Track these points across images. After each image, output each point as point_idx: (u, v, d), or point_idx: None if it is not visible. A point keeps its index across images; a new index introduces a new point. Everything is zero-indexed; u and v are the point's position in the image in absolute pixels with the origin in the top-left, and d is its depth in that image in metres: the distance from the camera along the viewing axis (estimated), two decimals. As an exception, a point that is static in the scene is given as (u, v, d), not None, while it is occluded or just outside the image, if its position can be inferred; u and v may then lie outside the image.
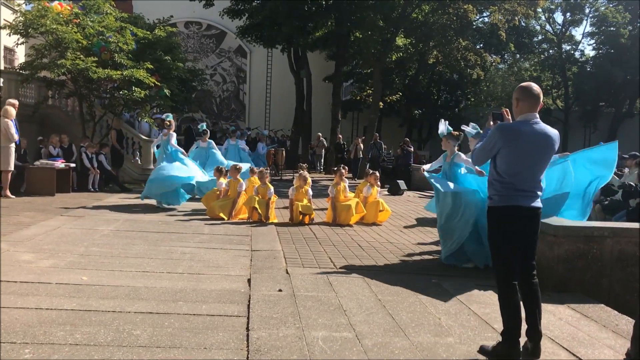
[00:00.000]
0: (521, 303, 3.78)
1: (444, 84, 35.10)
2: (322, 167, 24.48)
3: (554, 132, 3.83)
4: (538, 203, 3.80)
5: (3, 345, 3.56)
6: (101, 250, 6.66)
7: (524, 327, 3.77)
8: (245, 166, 11.51)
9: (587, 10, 37.24)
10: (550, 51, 38.80)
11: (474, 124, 7.37)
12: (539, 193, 3.82)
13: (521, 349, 3.75)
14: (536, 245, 3.91)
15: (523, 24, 33.63)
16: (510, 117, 3.95)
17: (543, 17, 37.77)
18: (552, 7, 36.89)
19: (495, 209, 3.82)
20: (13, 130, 11.13)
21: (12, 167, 11.33)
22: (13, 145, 11.34)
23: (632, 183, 9.40)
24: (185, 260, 6.36)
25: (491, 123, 4.00)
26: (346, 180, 10.35)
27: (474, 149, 4.05)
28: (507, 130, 3.79)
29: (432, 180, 7.17)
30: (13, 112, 11.27)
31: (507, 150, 3.74)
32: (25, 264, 5.74)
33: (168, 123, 11.26)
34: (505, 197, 3.76)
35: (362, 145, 21.67)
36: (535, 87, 3.82)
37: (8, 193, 11.12)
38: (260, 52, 30.29)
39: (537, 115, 3.81)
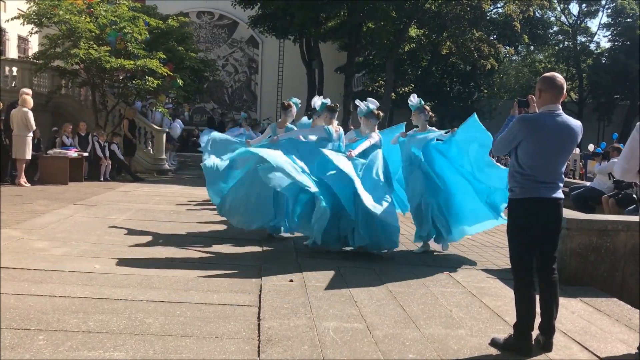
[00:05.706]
0: (537, 297, 3.76)
1: (456, 75, 34.88)
2: None
3: (576, 124, 3.75)
4: (559, 194, 3.74)
5: (17, 331, 3.60)
6: (113, 238, 6.71)
7: (537, 320, 3.74)
8: None
9: (603, 2, 36.80)
10: (565, 43, 38.38)
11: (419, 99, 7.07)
12: (561, 184, 3.77)
13: (533, 342, 3.73)
14: (558, 237, 3.86)
15: (538, 14, 33.30)
16: (535, 105, 3.86)
17: (558, 8, 37.34)
18: (568, -3, 36.50)
19: (516, 200, 3.78)
20: (32, 119, 11.23)
21: (28, 156, 11.43)
22: (30, 135, 11.44)
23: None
24: (197, 249, 6.39)
25: (516, 111, 3.91)
26: None
27: (494, 138, 3.96)
28: (528, 122, 3.71)
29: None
30: (31, 101, 11.36)
31: (529, 142, 3.68)
32: (39, 252, 5.80)
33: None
34: (526, 189, 3.71)
35: (374, 137, 21.56)
36: (559, 77, 3.73)
37: (22, 181, 11.21)
38: (272, 43, 30.19)
39: (560, 107, 3.72)
